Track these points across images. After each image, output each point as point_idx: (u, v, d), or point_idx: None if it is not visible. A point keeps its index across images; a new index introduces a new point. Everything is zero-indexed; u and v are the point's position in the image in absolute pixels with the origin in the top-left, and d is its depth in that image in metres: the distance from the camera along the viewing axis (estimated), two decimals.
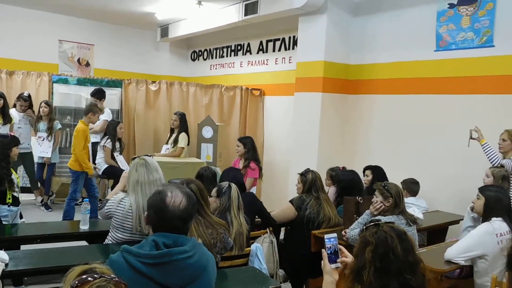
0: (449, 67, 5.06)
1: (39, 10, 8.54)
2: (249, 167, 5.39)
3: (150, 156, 3.62)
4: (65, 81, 6.86)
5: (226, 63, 8.91)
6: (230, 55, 8.79)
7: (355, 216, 3.66)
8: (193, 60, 10.01)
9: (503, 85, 4.59)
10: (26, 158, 6.09)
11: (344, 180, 4.33)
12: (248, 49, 8.32)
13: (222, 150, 7.03)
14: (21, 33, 8.42)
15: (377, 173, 4.58)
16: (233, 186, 3.19)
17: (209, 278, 1.86)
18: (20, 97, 6.10)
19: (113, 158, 6.14)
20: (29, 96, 6.19)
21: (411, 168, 5.21)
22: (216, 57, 9.25)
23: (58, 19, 8.83)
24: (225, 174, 3.95)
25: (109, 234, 3.11)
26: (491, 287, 2.77)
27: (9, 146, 3.87)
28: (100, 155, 6.12)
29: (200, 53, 9.77)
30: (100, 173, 6.09)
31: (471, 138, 4.39)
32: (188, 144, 6.70)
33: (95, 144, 6.19)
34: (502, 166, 4.05)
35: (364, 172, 4.72)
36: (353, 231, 3.39)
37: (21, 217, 4.24)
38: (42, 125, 6.19)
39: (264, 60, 7.95)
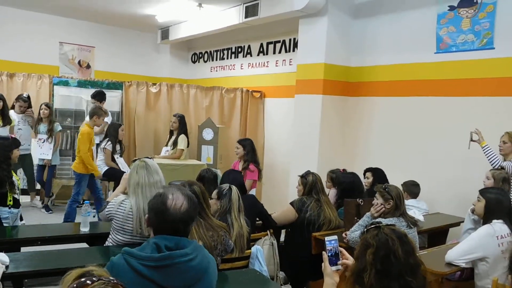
0: (450, 69, 5.07)
1: (40, 12, 8.55)
2: (248, 169, 5.40)
3: (150, 158, 3.62)
4: (65, 83, 6.87)
5: (226, 65, 8.92)
6: (231, 57, 8.80)
7: (355, 218, 3.66)
8: (194, 62, 10.02)
9: (504, 87, 4.60)
10: (26, 159, 6.08)
11: (345, 182, 4.33)
12: (249, 51, 8.32)
13: (222, 152, 7.02)
14: (22, 35, 8.41)
15: (378, 175, 4.59)
16: (234, 188, 3.19)
17: (210, 280, 1.87)
18: (19, 98, 6.08)
19: (113, 160, 6.14)
20: (28, 97, 6.18)
21: (412, 170, 5.20)
22: (216, 59, 9.25)
23: (59, 21, 8.84)
24: (225, 176, 3.94)
25: (110, 236, 3.11)
26: None
27: (10, 148, 3.87)
28: (100, 157, 6.10)
29: (200, 55, 9.78)
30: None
31: (471, 140, 4.39)
32: (187, 146, 6.69)
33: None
34: (502, 168, 4.05)
35: (364, 174, 4.72)
36: (354, 233, 3.39)
37: (21, 219, 4.24)
38: (43, 127, 6.19)
39: (264, 62, 7.94)
